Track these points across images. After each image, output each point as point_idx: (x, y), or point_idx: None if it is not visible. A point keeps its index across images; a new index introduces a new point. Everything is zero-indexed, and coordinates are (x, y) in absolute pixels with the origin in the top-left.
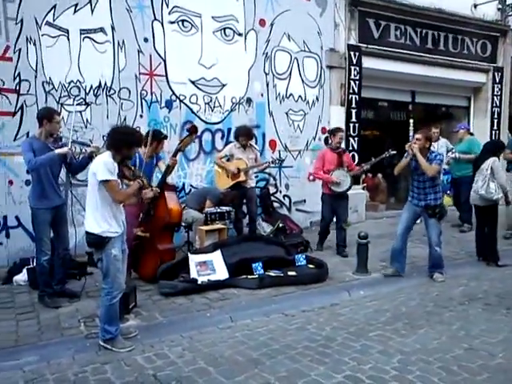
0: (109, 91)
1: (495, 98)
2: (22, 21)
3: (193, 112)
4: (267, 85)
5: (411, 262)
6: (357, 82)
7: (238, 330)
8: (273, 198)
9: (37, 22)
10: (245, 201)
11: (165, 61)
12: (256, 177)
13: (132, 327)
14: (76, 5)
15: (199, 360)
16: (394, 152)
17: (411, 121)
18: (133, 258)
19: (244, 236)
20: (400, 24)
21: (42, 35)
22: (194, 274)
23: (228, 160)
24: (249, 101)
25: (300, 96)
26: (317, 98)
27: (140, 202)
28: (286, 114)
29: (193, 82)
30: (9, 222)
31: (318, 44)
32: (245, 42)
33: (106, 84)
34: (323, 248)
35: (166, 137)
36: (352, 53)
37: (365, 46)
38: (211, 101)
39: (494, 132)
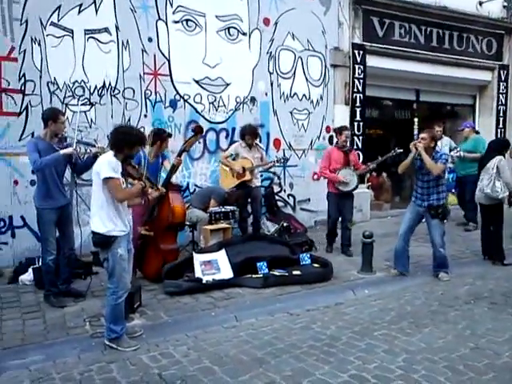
0: (113, 91)
1: (501, 96)
2: (26, 21)
3: (197, 111)
4: (271, 84)
5: (416, 261)
6: (361, 81)
7: (242, 329)
8: (277, 197)
9: (41, 23)
10: (249, 200)
11: (169, 60)
12: (260, 176)
13: (137, 326)
14: (80, 5)
15: (204, 359)
16: (401, 150)
17: (416, 119)
18: (137, 256)
19: (248, 235)
20: (404, 22)
21: (47, 35)
22: (198, 273)
23: (234, 159)
24: (253, 100)
25: (304, 95)
26: (321, 97)
27: (146, 202)
28: (291, 113)
29: (197, 82)
30: (14, 222)
31: (322, 43)
32: (249, 41)
33: (110, 84)
34: (333, 249)
35: (169, 135)
36: (356, 51)
37: (369, 44)
38: (215, 100)
39: (499, 130)
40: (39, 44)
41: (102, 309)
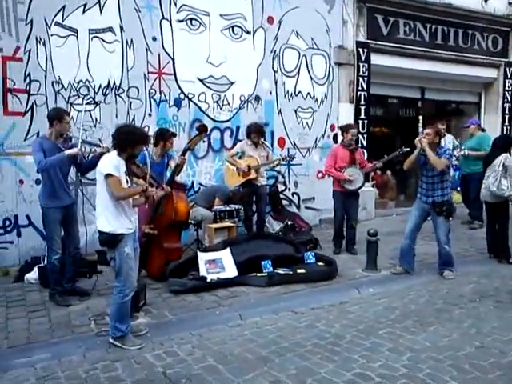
0: (117, 90)
1: (506, 93)
2: (31, 21)
3: (201, 110)
4: (276, 82)
5: (421, 259)
6: (365, 79)
7: (247, 328)
8: (282, 196)
9: (46, 23)
10: (254, 198)
11: (173, 59)
12: (265, 174)
13: (142, 325)
14: (85, 5)
15: (209, 358)
16: (407, 149)
17: (420, 117)
18: (141, 255)
19: (253, 234)
20: (409, 20)
21: (52, 35)
22: (203, 271)
23: (240, 157)
24: (257, 98)
25: (308, 93)
26: (325, 96)
27: (152, 201)
28: (295, 111)
29: (201, 81)
30: (20, 221)
31: (327, 41)
32: (253, 39)
33: (114, 83)
34: (340, 250)
35: (174, 134)
36: (360, 49)
37: (373, 42)
38: (220, 99)
39: (505, 128)
40: (44, 44)
41: (106, 307)
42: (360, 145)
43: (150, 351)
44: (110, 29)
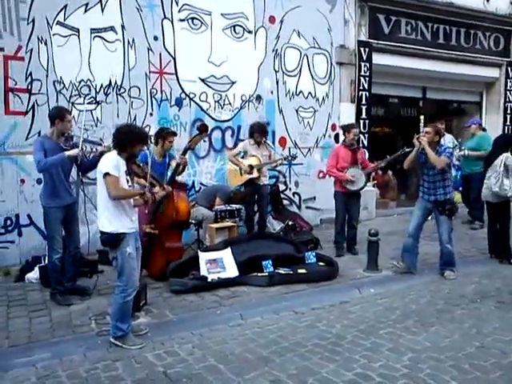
0: (119, 90)
1: (508, 93)
2: (33, 21)
3: (202, 110)
4: (277, 82)
5: (422, 259)
6: (367, 79)
7: (248, 328)
8: (282, 196)
9: (48, 22)
10: (256, 198)
11: (174, 59)
12: None
13: (142, 325)
14: (86, 4)
15: (209, 357)
16: (409, 149)
17: (422, 117)
18: (142, 255)
19: (254, 234)
20: (411, 19)
21: (53, 35)
22: (204, 271)
23: (242, 157)
24: (258, 98)
25: (310, 93)
26: (327, 95)
27: (153, 201)
28: (296, 111)
29: (202, 80)
30: (21, 221)
31: (328, 40)
32: (254, 39)
33: (116, 83)
34: (344, 253)
35: (173, 133)
36: (362, 49)
37: (375, 41)
38: (221, 98)
39: (507, 127)
40: (46, 43)
41: (107, 307)
42: (361, 145)
43: (150, 351)
44: (112, 28)
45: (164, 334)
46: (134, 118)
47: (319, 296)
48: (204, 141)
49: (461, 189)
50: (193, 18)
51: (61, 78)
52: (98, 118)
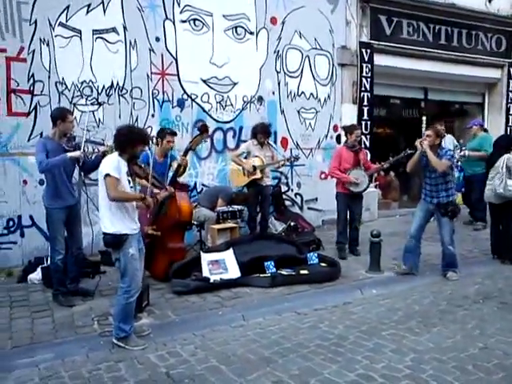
0: (121, 91)
1: (510, 93)
2: (35, 22)
3: (204, 111)
4: (279, 83)
5: (424, 260)
6: (369, 80)
7: (250, 329)
8: (284, 197)
9: (50, 23)
10: (259, 198)
11: (176, 60)
12: None
13: (145, 325)
14: (89, 5)
15: (211, 358)
16: (412, 151)
17: (424, 118)
18: (145, 256)
19: (256, 234)
20: (412, 20)
21: (56, 36)
22: (206, 272)
23: (245, 157)
24: (260, 99)
25: (312, 94)
26: (328, 96)
27: (155, 202)
28: (298, 112)
29: (204, 81)
30: (23, 222)
31: (330, 41)
32: (256, 40)
33: (118, 84)
34: (346, 255)
35: (173, 133)
36: (364, 50)
37: (377, 42)
38: (223, 99)
39: (509, 128)
40: (48, 44)
41: (110, 308)
42: (363, 146)
43: (153, 352)
44: (114, 29)
45: (166, 334)
46: (136, 119)
47: (321, 297)
48: (204, 141)
49: (463, 190)
50: (194, 19)
51: (63, 79)
52: (99, 119)
